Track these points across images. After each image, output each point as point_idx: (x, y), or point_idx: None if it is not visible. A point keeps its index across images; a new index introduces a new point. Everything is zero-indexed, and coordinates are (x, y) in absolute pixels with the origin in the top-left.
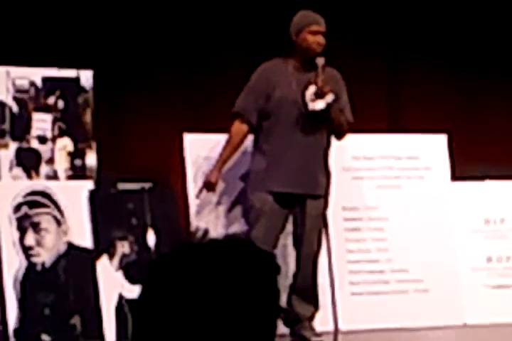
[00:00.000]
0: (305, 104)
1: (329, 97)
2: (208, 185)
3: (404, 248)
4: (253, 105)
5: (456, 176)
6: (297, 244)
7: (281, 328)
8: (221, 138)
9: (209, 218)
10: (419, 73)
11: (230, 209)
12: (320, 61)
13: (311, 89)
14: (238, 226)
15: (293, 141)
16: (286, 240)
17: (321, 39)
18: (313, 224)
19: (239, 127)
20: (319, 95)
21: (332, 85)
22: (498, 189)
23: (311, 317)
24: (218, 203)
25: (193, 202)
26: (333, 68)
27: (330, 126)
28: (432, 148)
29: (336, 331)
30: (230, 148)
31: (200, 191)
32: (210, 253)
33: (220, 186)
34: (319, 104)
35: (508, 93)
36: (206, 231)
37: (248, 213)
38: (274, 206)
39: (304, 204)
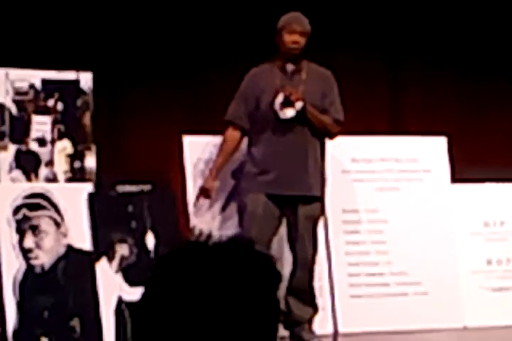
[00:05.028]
0: (275, 113)
1: (298, 105)
2: (204, 192)
3: (404, 250)
4: (243, 110)
5: (455, 178)
6: (293, 246)
7: (281, 331)
8: (220, 141)
9: (205, 217)
10: (420, 76)
11: (224, 207)
12: (289, 67)
13: (280, 98)
14: (233, 225)
15: (282, 144)
16: (282, 242)
17: (296, 38)
18: (306, 226)
19: (231, 134)
20: (288, 103)
21: (319, 84)
22: (497, 191)
23: (311, 320)
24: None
25: (192, 205)
26: (325, 67)
27: (312, 128)
28: (431, 151)
29: (336, 333)
30: (223, 155)
31: (197, 199)
32: (213, 257)
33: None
34: (289, 113)
35: (508, 96)
36: (210, 235)
37: (242, 214)
38: (268, 207)
39: (296, 206)
